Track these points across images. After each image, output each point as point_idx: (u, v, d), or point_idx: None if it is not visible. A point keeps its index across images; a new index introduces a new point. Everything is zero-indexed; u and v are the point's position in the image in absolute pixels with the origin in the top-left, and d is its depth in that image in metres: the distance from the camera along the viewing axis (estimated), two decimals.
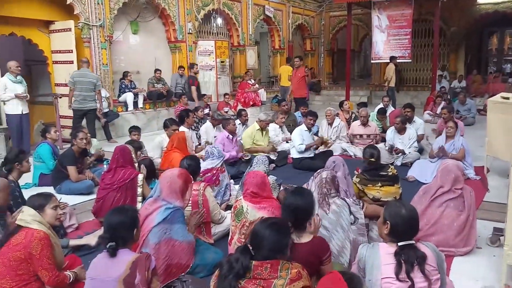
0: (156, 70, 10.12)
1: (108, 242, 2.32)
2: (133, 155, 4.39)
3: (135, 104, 9.65)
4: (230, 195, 4.90)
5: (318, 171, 3.57)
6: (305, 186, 4.28)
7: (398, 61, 12.12)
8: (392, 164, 5.69)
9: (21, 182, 4.70)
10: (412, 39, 12.85)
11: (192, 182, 3.52)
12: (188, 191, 3.35)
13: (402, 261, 2.25)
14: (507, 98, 5.55)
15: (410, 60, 12.99)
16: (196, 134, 7.42)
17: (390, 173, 4.20)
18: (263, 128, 7.02)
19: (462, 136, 6.15)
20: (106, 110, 8.61)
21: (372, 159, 4.31)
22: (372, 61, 14.13)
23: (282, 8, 14.75)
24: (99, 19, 8.75)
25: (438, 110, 10.12)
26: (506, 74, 17.40)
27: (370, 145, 5.18)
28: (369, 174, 4.20)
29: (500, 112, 5.53)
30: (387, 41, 12.76)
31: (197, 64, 10.73)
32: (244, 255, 2.08)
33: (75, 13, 8.33)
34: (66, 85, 7.96)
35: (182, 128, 6.56)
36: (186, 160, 4.07)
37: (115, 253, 2.31)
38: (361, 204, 3.41)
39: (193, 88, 9.82)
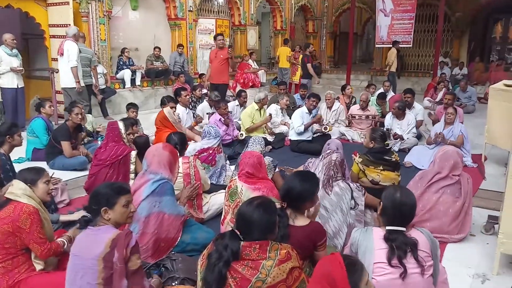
0: (155, 48, 9.97)
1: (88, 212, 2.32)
2: (123, 132, 4.32)
3: (133, 81, 9.52)
4: (226, 175, 4.87)
5: (328, 151, 3.54)
6: (301, 168, 4.27)
7: (400, 46, 11.98)
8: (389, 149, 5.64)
9: (14, 156, 4.66)
10: (416, 24, 12.68)
11: (178, 155, 3.53)
12: (176, 164, 3.35)
13: (395, 247, 2.21)
14: (510, 86, 5.48)
15: (410, 45, 12.86)
16: (193, 113, 7.35)
17: (393, 159, 4.15)
18: (261, 108, 7.00)
19: (461, 123, 6.09)
20: (103, 86, 8.50)
21: (387, 142, 4.28)
22: (376, 46, 13.99)
23: None
24: None
25: (439, 97, 10.03)
26: (510, 63, 17.24)
27: (376, 128, 5.02)
28: (373, 156, 4.13)
29: (502, 100, 5.46)
30: (391, 25, 12.60)
31: (312, 44, 11.76)
32: (233, 240, 2.03)
33: None
34: None
35: (178, 106, 6.50)
36: (171, 135, 4.13)
37: (86, 225, 2.29)
38: (363, 191, 3.36)
39: (309, 65, 10.49)
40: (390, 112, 6.92)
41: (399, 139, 6.48)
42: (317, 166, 3.46)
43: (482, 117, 7.11)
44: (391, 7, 12.52)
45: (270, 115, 7.12)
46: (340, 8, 16.61)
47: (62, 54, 6.97)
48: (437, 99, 9.96)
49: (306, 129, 6.49)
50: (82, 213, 3.73)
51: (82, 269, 2.16)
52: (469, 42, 14.98)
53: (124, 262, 2.15)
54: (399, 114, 6.67)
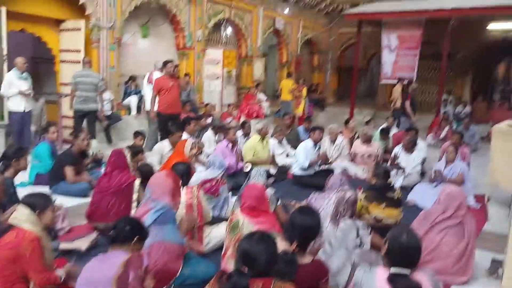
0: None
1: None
2: (129, 160, 4.34)
3: (139, 108, 9.61)
4: (228, 207, 4.83)
5: (344, 187, 3.53)
6: (304, 202, 4.25)
7: (404, 83, 12.08)
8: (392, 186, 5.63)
9: (17, 180, 4.65)
10: (419, 61, 12.85)
11: (180, 183, 3.53)
12: (178, 192, 3.36)
13: None
14: None
15: (415, 82, 12.99)
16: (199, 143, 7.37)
17: (396, 197, 4.14)
18: (264, 137, 7.01)
19: (464, 162, 6.09)
20: (109, 112, 8.58)
21: (390, 180, 4.30)
22: (381, 82, 14.12)
23: (293, 22, 14.80)
24: (110, 21, 8.77)
25: (442, 135, 10.08)
26: None
27: (380, 164, 5.04)
28: (376, 192, 4.14)
29: (505, 140, 5.46)
30: (396, 61, 12.77)
31: (413, 80, 11.28)
32: (241, 279, 2.00)
33: (86, 13, 8.33)
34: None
35: (184, 135, 6.53)
36: (178, 165, 4.14)
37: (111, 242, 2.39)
38: (369, 230, 3.33)
39: (407, 102, 10.11)
40: (400, 145, 6.96)
41: (398, 169, 6.46)
42: (330, 197, 3.44)
43: (484, 157, 7.08)
44: (396, 43, 12.73)
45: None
46: (346, 42, 16.90)
47: (151, 82, 8.06)
48: (441, 137, 10.00)
49: (310, 166, 6.48)
50: (83, 241, 3.73)
51: None
52: (472, 81, 15.12)
53: (140, 281, 2.23)
54: (410, 148, 6.73)
